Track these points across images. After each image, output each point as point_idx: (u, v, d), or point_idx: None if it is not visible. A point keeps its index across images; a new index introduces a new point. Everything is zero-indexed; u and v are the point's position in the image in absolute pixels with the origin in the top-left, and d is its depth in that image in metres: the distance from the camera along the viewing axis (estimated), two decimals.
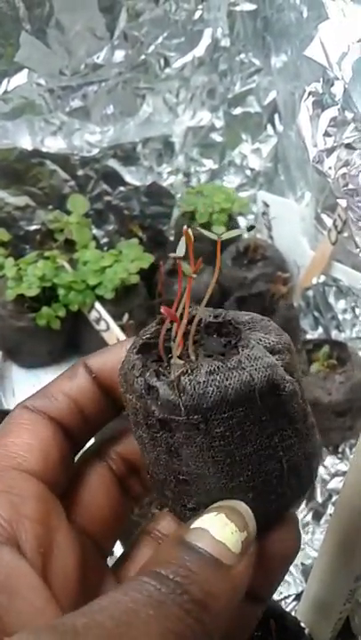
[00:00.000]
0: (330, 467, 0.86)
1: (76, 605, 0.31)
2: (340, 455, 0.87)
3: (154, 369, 0.30)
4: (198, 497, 0.31)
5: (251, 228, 1.14)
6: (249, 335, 0.31)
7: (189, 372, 0.29)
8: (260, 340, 0.31)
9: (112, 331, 0.93)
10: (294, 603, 0.72)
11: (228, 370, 0.29)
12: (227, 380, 0.29)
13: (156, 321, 0.34)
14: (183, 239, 0.32)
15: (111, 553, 0.38)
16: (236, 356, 0.30)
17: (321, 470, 0.85)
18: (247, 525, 0.29)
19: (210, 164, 1.23)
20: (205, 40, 1.10)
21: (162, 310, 0.31)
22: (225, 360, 0.30)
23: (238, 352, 0.30)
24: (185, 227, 0.32)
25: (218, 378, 0.29)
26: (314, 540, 0.78)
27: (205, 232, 0.35)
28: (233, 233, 0.35)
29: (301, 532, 0.79)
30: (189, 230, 0.31)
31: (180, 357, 0.31)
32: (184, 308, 0.31)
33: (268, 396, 0.29)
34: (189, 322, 0.32)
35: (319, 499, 0.82)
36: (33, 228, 1.15)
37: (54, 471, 0.33)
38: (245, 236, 1.17)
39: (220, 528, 0.28)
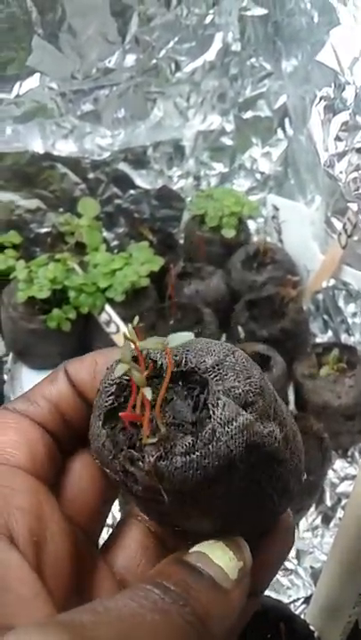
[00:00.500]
0: (339, 470, 0.86)
1: (70, 593, 0.31)
2: (349, 459, 0.87)
3: (126, 454, 0.29)
4: (194, 537, 0.31)
5: None
6: (217, 387, 0.29)
7: (164, 455, 0.28)
8: (230, 392, 0.29)
9: (122, 333, 0.93)
10: (303, 606, 0.72)
11: (203, 446, 0.27)
12: (205, 459, 0.27)
13: (110, 380, 0.31)
14: (125, 345, 0.30)
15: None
16: (209, 423, 0.28)
17: (330, 474, 0.85)
18: (244, 557, 0.30)
19: (220, 167, 1.23)
20: (216, 44, 1.10)
21: (121, 415, 0.29)
22: (198, 432, 0.28)
23: (209, 413, 0.28)
24: (127, 329, 0.30)
25: (195, 458, 0.27)
26: (323, 544, 0.78)
27: (149, 342, 0.30)
28: (180, 339, 0.30)
29: (310, 535, 0.79)
30: (129, 333, 0.30)
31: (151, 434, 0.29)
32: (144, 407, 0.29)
33: (249, 457, 0.28)
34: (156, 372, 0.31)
35: (328, 502, 0.82)
36: (44, 230, 1.15)
37: (43, 467, 0.33)
38: (255, 238, 1.17)
39: (220, 555, 0.30)
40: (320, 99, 0.69)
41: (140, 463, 0.28)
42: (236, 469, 0.28)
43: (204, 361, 0.30)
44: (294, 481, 0.32)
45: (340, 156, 0.66)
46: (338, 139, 0.66)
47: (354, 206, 0.65)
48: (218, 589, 0.28)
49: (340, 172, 0.65)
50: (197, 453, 0.27)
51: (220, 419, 0.28)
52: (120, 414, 0.29)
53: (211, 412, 0.28)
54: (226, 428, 0.28)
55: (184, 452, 0.27)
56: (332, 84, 0.69)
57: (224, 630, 0.28)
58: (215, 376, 0.30)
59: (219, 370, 0.30)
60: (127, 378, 0.31)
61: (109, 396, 0.31)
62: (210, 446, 0.27)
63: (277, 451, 0.30)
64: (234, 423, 0.28)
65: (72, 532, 0.33)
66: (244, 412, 0.28)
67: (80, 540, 0.34)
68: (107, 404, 0.31)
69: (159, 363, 0.31)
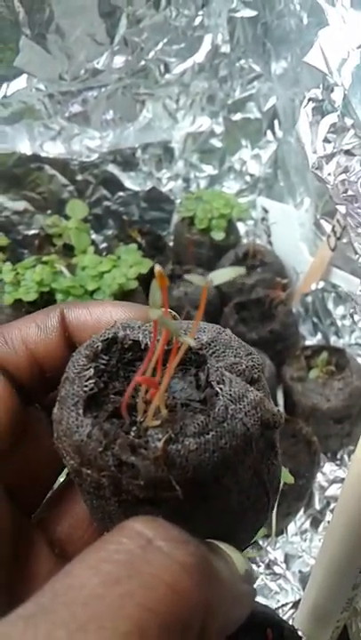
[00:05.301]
0: (328, 473, 0.85)
1: (9, 569, 0.28)
2: (338, 462, 0.87)
3: (124, 441, 0.23)
4: None
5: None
6: (218, 364, 0.26)
7: (174, 438, 0.23)
8: (233, 368, 0.26)
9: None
10: (292, 611, 0.72)
11: (218, 424, 0.24)
12: (221, 438, 0.24)
13: (84, 363, 0.27)
14: (153, 288, 0.25)
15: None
16: (218, 400, 0.25)
17: (319, 477, 0.84)
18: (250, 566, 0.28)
19: (209, 169, 1.23)
20: (205, 46, 1.10)
21: (138, 379, 0.24)
22: (208, 410, 0.24)
23: (215, 390, 0.25)
24: (157, 267, 0.25)
25: (210, 438, 0.24)
26: (312, 548, 0.78)
27: (192, 277, 0.26)
28: (223, 275, 0.26)
29: (299, 539, 0.79)
30: (157, 274, 0.25)
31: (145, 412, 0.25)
32: (155, 370, 0.25)
33: (261, 438, 0.26)
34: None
35: (317, 506, 0.82)
36: (31, 232, 1.15)
37: None
38: (245, 241, 1.16)
39: (230, 549, 0.26)
40: (308, 100, 0.68)
41: (144, 450, 0.23)
42: (250, 453, 0.25)
43: (198, 337, 0.27)
44: (278, 478, 0.30)
45: (329, 157, 0.65)
46: (326, 140, 0.66)
47: (343, 209, 0.64)
48: (228, 563, 0.24)
49: (329, 174, 0.65)
50: (213, 433, 0.24)
51: (230, 395, 0.25)
52: (137, 377, 0.24)
53: (218, 389, 0.25)
54: (238, 405, 0.24)
55: (197, 433, 0.23)
56: (321, 86, 0.68)
57: (226, 610, 0.23)
58: (212, 353, 0.27)
59: (215, 346, 0.27)
60: (104, 362, 0.27)
61: (87, 380, 0.26)
62: (225, 424, 0.24)
63: (276, 435, 0.27)
64: (245, 399, 0.25)
65: (9, 508, 0.30)
66: (251, 389, 0.26)
67: (16, 514, 0.31)
68: (86, 389, 0.26)
69: (143, 343, 0.28)
